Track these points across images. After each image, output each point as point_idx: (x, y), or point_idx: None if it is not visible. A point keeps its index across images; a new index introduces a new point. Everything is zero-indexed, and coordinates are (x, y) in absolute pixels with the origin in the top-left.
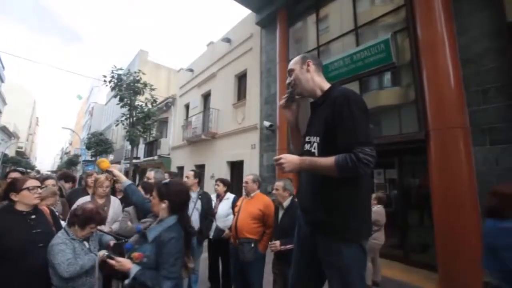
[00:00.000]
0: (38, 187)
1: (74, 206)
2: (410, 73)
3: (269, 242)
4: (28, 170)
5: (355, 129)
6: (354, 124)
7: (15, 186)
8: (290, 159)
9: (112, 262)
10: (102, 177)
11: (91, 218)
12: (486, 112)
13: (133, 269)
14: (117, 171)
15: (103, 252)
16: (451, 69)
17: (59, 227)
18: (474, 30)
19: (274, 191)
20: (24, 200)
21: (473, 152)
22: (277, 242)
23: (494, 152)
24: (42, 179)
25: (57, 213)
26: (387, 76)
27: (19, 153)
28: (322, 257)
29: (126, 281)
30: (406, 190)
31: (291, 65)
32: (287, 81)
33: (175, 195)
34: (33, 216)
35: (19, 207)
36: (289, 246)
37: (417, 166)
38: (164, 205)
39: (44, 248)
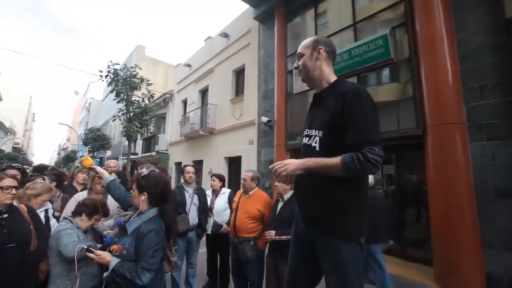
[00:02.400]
0: (14, 187)
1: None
2: (408, 69)
3: (265, 232)
4: (25, 166)
5: (367, 126)
6: (366, 122)
7: None
8: (291, 160)
9: (91, 255)
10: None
11: (99, 209)
12: (483, 108)
13: (112, 261)
14: (100, 168)
15: (81, 246)
16: (449, 65)
17: (38, 225)
18: (472, 26)
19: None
20: None
21: (469, 148)
22: (272, 232)
23: (491, 147)
24: (3, 168)
25: (49, 210)
26: (385, 72)
27: (16, 149)
28: (320, 254)
29: (105, 274)
30: (403, 186)
31: (301, 48)
32: (295, 65)
33: (154, 187)
34: (5, 216)
35: None
36: (284, 237)
37: (414, 161)
38: (143, 197)
39: (15, 248)
